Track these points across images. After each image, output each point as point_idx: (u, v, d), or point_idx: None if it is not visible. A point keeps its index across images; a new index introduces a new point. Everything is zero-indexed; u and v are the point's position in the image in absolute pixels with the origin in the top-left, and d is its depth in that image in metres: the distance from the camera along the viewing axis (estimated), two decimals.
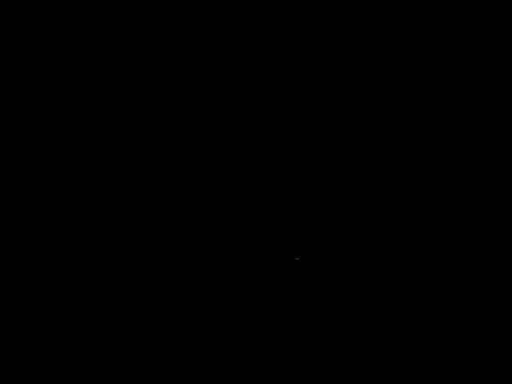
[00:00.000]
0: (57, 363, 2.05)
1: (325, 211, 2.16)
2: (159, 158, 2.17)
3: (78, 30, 2.15)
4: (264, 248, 2.16)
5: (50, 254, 2.14)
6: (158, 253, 2.15)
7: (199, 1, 2.14)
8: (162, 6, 2.14)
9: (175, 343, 2.08)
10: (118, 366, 2.05)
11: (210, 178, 2.17)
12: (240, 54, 2.17)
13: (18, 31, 2.15)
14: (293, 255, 2.15)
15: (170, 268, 2.15)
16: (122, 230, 2.15)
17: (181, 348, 2.08)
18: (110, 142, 2.17)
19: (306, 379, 2.05)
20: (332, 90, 2.17)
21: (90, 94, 2.17)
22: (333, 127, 2.17)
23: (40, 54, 2.16)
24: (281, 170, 2.18)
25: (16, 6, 2.10)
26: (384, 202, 2.15)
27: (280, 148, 2.18)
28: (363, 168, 2.16)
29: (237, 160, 2.18)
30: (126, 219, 2.16)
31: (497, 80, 2.13)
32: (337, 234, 2.15)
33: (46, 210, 2.15)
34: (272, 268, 2.14)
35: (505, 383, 1.99)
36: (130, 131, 2.17)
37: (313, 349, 2.07)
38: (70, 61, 2.16)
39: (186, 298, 2.12)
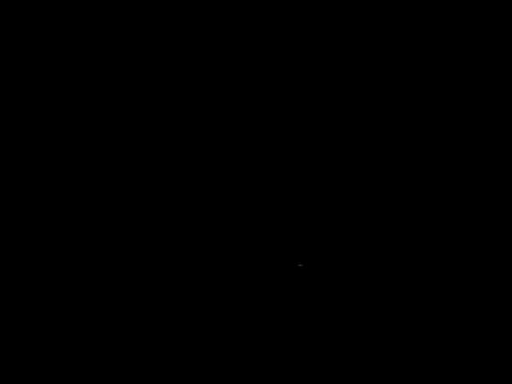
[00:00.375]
0: (57, 363, 2.04)
1: (328, 218, 2.17)
2: (161, 158, 2.16)
3: (78, 30, 2.13)
4: (269, 255, 2.16)
5: (50, 253, 2.12)
6: (159, 256, 2.15)
7: (200, 1, 2.14)
8: (163, 6, 2.13)
9: (175, 345, 2.08)
10: (118, 365, 2.05)
11: (212, 182, 2.16)
12: (240, 55, 2.17)
13: (18, 31, 2.12)
14: (297, 262, 2.16)
15: (172, 273, 2.14)
16: (122, 231, 2.14)
17: (181, 350, 2.08)
18: (110, 142, 2.16)
19: (306, 380, 2.07)
20: (332, 91, 2.18)
21: (89, 94, 2.15)
22: (334, 130, 2.18)
23: (40, 54, 2.14)
24: (283, 175, 2.17)
25: (16, 6, 2.07)
26: (384, 208, 2.15)
27: (282, 153, 2.18)
28: (365, 173, 2.17)
29: (239, 164, 2.17)
30: (126, 221, 2.15)
31: (497, 80, 2.14)
32: (340, 240, 2.16)
33: (46, 210, 2.14)
34: (276, 274, 2.15)
35: (505, 383, 1.99)
36: (130, 131, 2.15)
37: (314, 352, 2.08)
38: (70, 61, 2.14)
39: (188, 302, 2.12)
